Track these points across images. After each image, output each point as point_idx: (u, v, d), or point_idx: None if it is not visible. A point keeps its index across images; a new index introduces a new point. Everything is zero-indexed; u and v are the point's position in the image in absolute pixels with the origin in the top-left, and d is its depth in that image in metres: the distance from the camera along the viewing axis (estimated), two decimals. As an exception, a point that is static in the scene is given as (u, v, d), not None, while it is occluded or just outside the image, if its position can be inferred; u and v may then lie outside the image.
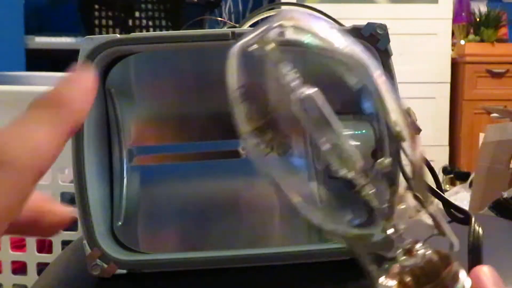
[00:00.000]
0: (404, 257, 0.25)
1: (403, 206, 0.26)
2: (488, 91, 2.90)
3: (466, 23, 2.98)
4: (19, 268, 0.98)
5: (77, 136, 0.50)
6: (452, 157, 2.92)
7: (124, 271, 0.51)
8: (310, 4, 0.70)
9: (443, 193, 0.50)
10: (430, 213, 0.26)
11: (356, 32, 0.51)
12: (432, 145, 2.80)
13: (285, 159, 0.27)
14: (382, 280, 0.25)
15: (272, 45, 0.26)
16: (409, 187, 0.27)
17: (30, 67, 2.28)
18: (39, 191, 0.26)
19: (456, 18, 2.94)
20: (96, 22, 2.32)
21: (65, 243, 0.93)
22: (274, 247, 0.53)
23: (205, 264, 0.51)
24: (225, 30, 0.51)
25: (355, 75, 0.28)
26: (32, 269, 0.96)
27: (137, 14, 2.35)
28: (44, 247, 0.98)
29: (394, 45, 0.50)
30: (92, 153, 0.52)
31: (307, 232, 0.62)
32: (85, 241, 0.50)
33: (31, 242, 0.95)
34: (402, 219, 0.25)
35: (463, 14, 2.98)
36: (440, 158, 2.75)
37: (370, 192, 0.26)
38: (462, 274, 0.24)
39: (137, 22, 2.35)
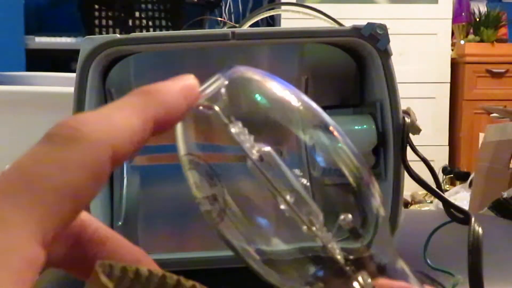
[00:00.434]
0: None
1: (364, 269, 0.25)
2: (488, 91, 2.90)
3: (466, 23, 2.98)
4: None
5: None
6: (452, 157, 2.92)
7: (124, 271, 0.51)
8: (310, 4, 0.70)
9: (443, 193, 0.50)
10: (396, 268, 0.25)
11: (356, 32, 0.51)
12: (432, 145, 2.80)
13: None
14: None
15: (220, 104, 0.25)
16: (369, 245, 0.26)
17: (30, 67, 2.28)
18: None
19: (456, 18, 2.94)
20: (96, 22, 2.32)
21: (65, 243, 0.93)
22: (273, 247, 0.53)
23: (205, 264, 0.51)
24: (225, 30, 0.51)
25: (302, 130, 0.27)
26: (32, 269, 0.96)
27: (137, 14, 2.35)
28: (44, 247, 0.98)
29: (394, 45, 0.51)
30: (92, 153, 0.52)
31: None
32: (85, 241, 0.50)
33: (31, 242, 0.95)
34: (367, 275, 0.25)
35: (463, 14, 2.97)
36: (440, 158, 2.75)
37: (335, 247, 0.25)
38: None
39: (137, 22, 2.35)
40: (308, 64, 0.61)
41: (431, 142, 2.79)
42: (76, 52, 0.51)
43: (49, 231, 0.19)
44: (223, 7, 3.03)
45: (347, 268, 0.25)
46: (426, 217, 0.80)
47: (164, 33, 0.53)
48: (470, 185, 1.70)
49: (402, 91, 0.52)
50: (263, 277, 0.25)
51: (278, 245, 0.26)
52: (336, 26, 0.63)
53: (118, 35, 0.51)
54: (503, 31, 3.01)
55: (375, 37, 0.51)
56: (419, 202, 2.34)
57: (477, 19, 2.98)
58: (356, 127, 0.54)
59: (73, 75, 0.51)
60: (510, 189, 1.15)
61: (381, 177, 0.54)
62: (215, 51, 0.60)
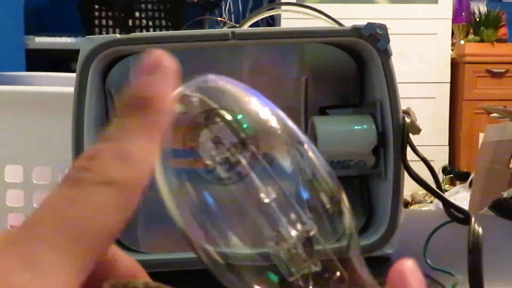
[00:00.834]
0: None
1: None
2: (488, 91, 2.90)
3: (466, 23, 2.98)
4: (19, 268, 0.98)
5: (77, 136, 0.50)
6: (452, 157, 2.92)
7: (124, 271, 0.51)
8: (310, 4, 0.70)
9: (443, 193, 0.50)
10: None
11: (356, 32, 0.51)
12: (432, 145, 2.80)
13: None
14: None
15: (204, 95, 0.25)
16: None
17: (30, 67, 2.28)
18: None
19: (456, 18, 2.94)
20: (96, 22, 2.32)
21: (65, 243, 0.93)
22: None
23: (205, 264, 0.51)
24: (225, 30, 0.51)
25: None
26: (32, 269, 0.96)
27: (137, 14, 2.35)
28: (44, 247, 0.98)
29: (394, 45, 0.51)
30: (92, 153, 0.52)
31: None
32: (85, 241, 0.50)
33: (31, 242, 0.95)
34: None
35: (463, 14, 2.97)
36: (440, 158, 2.75)
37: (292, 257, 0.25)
38: None
39: (137, 22, 2.35)
40: (308, 64, 0.61)
41: (431, 142, 2.79)
42: (76, 52, 0.51)
43: (85, 272, 0.20)
44: (223, 7, 3.03)
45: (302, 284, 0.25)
46: (426, 217, 0.80)
47: (164, 33, 0.53)
48: (470, 185, 1.70)
49: (402, 91, 0.52)
50: (224, 282, 0.25)
51: (240, 248, 0.26)
52: (336, 26, 0.63)
53: (118, 35, 0.51)
54: (503, 31, 3.01)
55: (375, 37, 0.51)
56: (419, 202, 2.34)
57: (477, 19, 2.98)
58: (356, 127, 0.54)
59: (73, 75, 0.51)
60: (510, 189, 1.15)
61: (381, 177, 0.54)
62: (215, 51, 0.60)
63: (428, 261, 0.50)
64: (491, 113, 1.84)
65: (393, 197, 0.51)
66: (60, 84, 1.03)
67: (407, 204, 2.34)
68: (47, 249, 0.19)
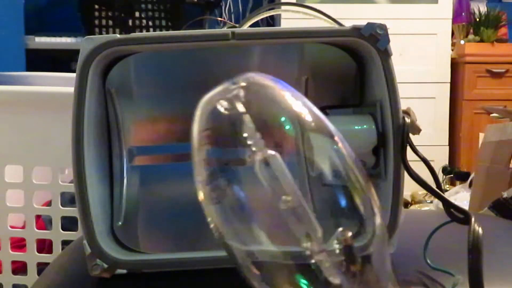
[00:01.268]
0: None
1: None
2: (488, 91, 2.90)
3: (466, 23, 2.98)
4: (19, 268, 0.98)
5: (77, 136, 0.50)
6: (452, 157, 2.92)
7: (124, 271, 0.51)
8: (310, 4, 0.70)
9: (443, 193, 0.50)
10: None
11: (356, 32, 0.51)
12: (432, 145, 2.80)
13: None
14: None
15: (236, 105, 0.26)
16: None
17: (30, 67, 2.28)
18: None
19: (456, 18, 2.94)
20: (96, 22, 2.32)
21: (65, 243, 0.93)
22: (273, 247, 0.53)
23: (205, 264, 0.51)
24: (225, 30, 0.51)
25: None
26: (32, 269, 0.96)
27: (137, 14, 2.35)
28: (44, 247, 0.98)
29: (394, 45, 0.50)
30: (92, 153, 0.52)
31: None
32: (85, 241, 0.50)
33: (31, 242, 0.95)
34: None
35: (463, 14, 2.97)
36: (440, 158, 2.75)
37: (327, 264, 0.25)
38: None
39: (137, 22, 2.35)
40: (308, 64, 0.61)
41: (431, 142, 2.79)
42: (76, 52, 0.51)
43: None
44: (223, 7, 3.03)
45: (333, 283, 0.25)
46: (426, 217, 0.80)
47: (164, 33, 0.53)
48: (470, 185, 1.70)
49: (402, 91, 0.52)
50: (249, 280, 0.26)
51: (267, 245, 0.26)
52: (336, 26, 0.63)
53: (118, 35, 0.51)
54: (503, 31, 3.01)
55: (375, 37, 0.51)
56: (419, 202, 2.34)
57: (477, 19, 2.98)
58: (356, 127, 0.54)
59: (73, 75, 0.51)
60: (510, 189, 1.15)
61: (381, 177, 0.54)
62: (215, 51, 0.60)
63: (428, 261, 0.50)
64: (491, 113, 1.84)
65: (393, 197, 0.51)
66: (60, 84, 1.03)
67: (407, 204, 2.34)
68: None
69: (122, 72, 0.57)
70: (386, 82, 0.51)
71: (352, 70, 0.58)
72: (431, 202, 2.23)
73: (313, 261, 0.25)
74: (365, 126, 0.54)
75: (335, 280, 0.25)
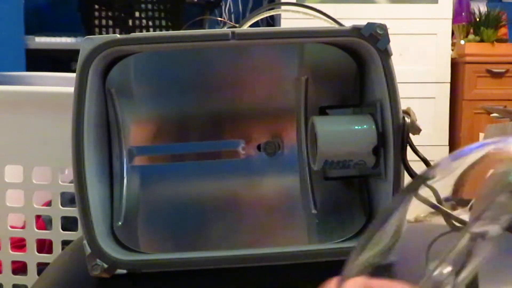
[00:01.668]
0: None
1: None
2: (488, 91, 2.90)
3: (466, 23, 2.98)
4: (19, 268, 0.98)
5: (77, 136, 0.50)
6: (452, 157, 2.92)
7: (124, 271, 0.51)
8: (310, 4, 0.70)
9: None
10: None
11: (356, 32, 0.51)
12: (432, 145, 2.80)
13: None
14: None
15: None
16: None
17: (30, 67, 2.27)
18: None
19: (456, 18, 2.94)
20: (96, 22, 2.32)
21: (65, 243, 0.93)
22: (274, 247, 0.53)
23: (205, 264, 0.51)
24: (225, 30, 0.51)
25: None
26: (32, 269, 0.96)
27: (137, 14, 2.35)
28: (44, 247, 0.98)
29: (394, 45, 0.50)
30: (92, 153, 0.52)
31: (307, 232, 0.62)
32: (85, 241, 0.50)
33: (31, 242, 0.95)
34: None
35: (463, 14, 2.97)
36: (440, 158, 2.74)
37: None
38: None
39: (137, 22, 2.35)
40: (308, 64, 0.61)
41: (431, 142, 2.79)
42: (76, 52, 0.51)
43: None
44: (223, 7, 3.03)
45: None
46: (427, 226, 0.80)
47: (164, 33, 0.53)
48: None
49: (402, 91, 0.52)
50: None
51: None
52: (336, 26, 0.63)
53: (118, 35, 0.51)
54: (503, 31, 3.01)
55: (375, 37, 0.51)
56: (419, 202, 2.34)
57: (477, 19, 2.98)
58: (356, 127, 0.54)
59: (73, 75, 0.51)
60: (510, 189, 1.14)
61: (381, 177, 0.54)
62: (215, 51, 0.60)
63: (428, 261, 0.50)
64: (491, 113, 1.84)
65: (393, 197, 0.51)
66: (60, 84, 1.03)
67: (407, 204, 2.34)
68: None
69: (122, 72, 0.57)
70: (386, 82, 0.51)
71: (352, 70, 0.58)
72: (431, 202, 2.23)
73: None
74: (365, 126, 0.54)
75: None
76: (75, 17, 2.43)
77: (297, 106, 0.61)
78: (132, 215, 0.58)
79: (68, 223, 0.94)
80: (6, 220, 0.95)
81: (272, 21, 2.86)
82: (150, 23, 2.34)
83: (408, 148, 0.51)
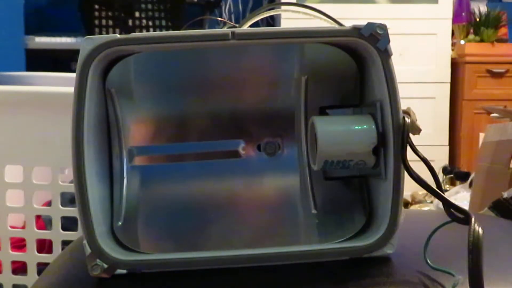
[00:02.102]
0: None
1: None
2: (488, 91, 2.90)
3: (466, 23, 2.98)
4: (19, 268, 0.99)
5: (77, 136, 0.50)
6: (452, 157, 2.92)
7: (124, 271, 0.51)
8: (310, 4, 0.70)
9: (443, 193, 0.50)
10: None
11: (356, 32, 0.51)
12: (432, 145, 2.80)
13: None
14: None
15: None
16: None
17: (30, 67, 2.28)
18: None
19: (456, 18, 2.94)
20: (96, 22, 2.32)
21: (65, 243, 0.93)
22: (274, 247, 0.53)
23: (205, 264, 0.51)
24: (225, 30, 0.51)
25: None
26: (32, 269, 0.96)
27: (137, 14, 2.35)
28: (44, 247, 0.98)
29: (394, 45, 0.50)
30: (92, 153, 0.52)
31: (307, 232, 0.62)
32: (85, 241, 0.50)
33: (31, 242, 0.95)
34: None
35: (463, 14, 2.97)
36: (440, 158, 2.75)
37: None
38: None
39: (137, 22, 2.35)
40: (308, 64, 0.61)
41: (431, 142, 2.80)
42: (76, 52, 0.51)
43: None
44: (223, 7, 3.03)
45: None
46: (426, 217, 0.80)
47: (164, 33, 0.53)
48: (470, 185, 1.69)
49: (402, 91, 0.52)
50: None
51: None
52: (336, 26, 0.63)
53: (118, 35, 0.51)
54: (503, 31, 3.01)
55: (375, 37, 0.51)
56: (419, 202, 2.34)
57: (477, 19, 2.99)
58: (356, 127, 0.54)
59: (73, 75, 0.51)
60: (510, 189, 1.15)
61: (381, 177, 0.54)
62: (215, 51, 0.60)
63: (428, 261, 0.50)
64: (491, 113, 1.84)
65: (393, 197, 0.51)
66: (60, 84, 1.03)
67: (407, 204, 2.34)
68: None
69: (122, 72, 0.57)
70: (386, 82, 0.51)
71: (352, 70, 0.58)
72: (431, 202, 2.23)
73: None
74: (365, 126, 0.54)
75: None
76: (75, 17, 2.43)
77: (297, 106, 0.61)
78: (132, 215, 0.58)
79: (68, 223, 0.94)
80: (6, 220, 0.95)
81: (272, 21, 2.86)
82: (150, 23, 2.34)
83: (408, 148, 0.51)
